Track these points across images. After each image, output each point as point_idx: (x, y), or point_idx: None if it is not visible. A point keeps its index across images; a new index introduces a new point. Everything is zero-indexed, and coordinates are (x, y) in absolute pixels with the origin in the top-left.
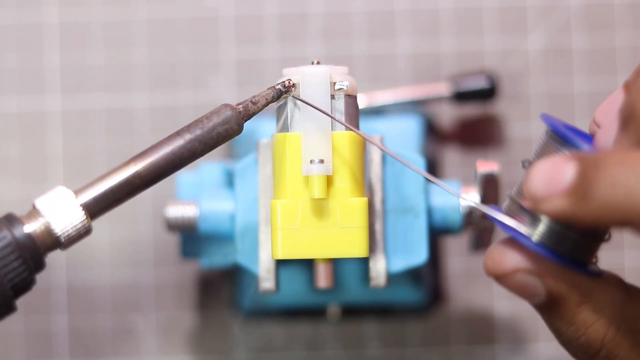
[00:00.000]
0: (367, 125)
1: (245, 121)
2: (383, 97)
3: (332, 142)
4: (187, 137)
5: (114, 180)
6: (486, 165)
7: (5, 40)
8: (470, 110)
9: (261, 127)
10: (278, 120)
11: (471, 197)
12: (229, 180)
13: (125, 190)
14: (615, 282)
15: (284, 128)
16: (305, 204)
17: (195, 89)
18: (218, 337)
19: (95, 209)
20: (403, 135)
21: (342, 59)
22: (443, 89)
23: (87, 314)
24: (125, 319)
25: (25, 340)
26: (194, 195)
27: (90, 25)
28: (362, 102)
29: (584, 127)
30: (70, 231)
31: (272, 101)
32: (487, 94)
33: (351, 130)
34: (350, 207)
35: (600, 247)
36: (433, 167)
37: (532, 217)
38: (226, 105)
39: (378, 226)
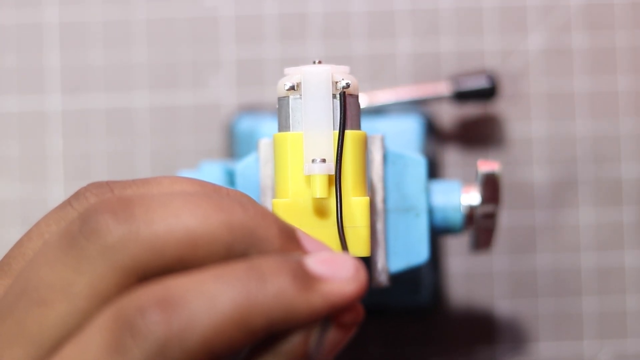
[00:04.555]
0: (368, 125)
1: None
2: (383, 96)
3: (334, 142)
4: None
5: None
6: (487, 165)
7: (5, 40)
8: (471, 109)
9: (262, 126)
10: (279, 119)
11: (472, 197)
12: (230, 179)
13: None
14: None
15: (285, 127)
16: (307, 204)
17: (195, 89)
18: None
19: None
20: (403, 135)
21: (342, 58)
22: (443, 88)
23: None
24: None
25: None
26: None
27: (90, 25)
28: (363, 101)
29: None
30: None
31: None
32: (488, 93)
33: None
34: (352, 207)
35: None
36: (434, 167)
37: None
38: None
39: (379, 225)
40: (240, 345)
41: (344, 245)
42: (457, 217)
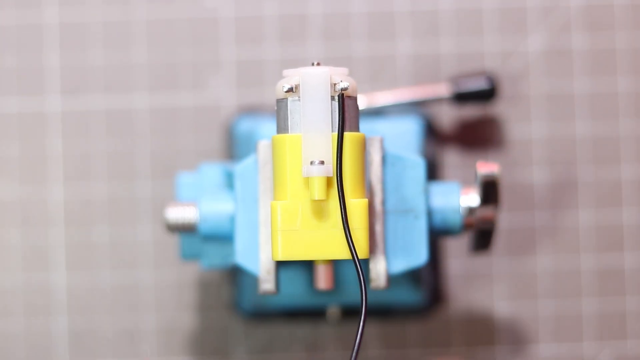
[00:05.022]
0: (367, 126)
1: None
2: (383, 98)
3: (332, 144)
4: None
5: None
6: (486, 167)
7: (5, 40)
8: (471, 111)
9: (261, 128)
10: (278, 121)
11: (471, 199)
12: (229, 181)
13: None
14: None
15: (284, 129)
16: (306, 205)
17: (195, 90)
18: (218, 338)
19: None
20: (403, 136)
21: (342, 59)
22: (443, 89)
23: (87, 315)
24: (125, 320)
25: (25, 341)
26: (194, 196)
27: (90, 26)
28: (362, 103)
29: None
30: None
31: None
32: (487, 94)
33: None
34: (350, 209)
35: None
36: (433, 169)
37: None
38: None
39: (378, 227)
40: None
41: (352, 247)
42: (456, 219)
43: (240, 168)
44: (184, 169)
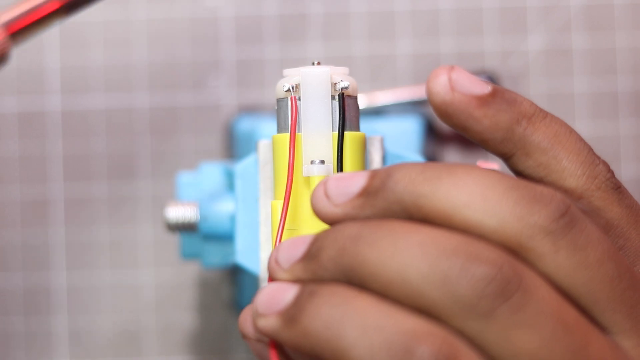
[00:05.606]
0: (368, 126)
1: None
2: (383, 97)
3: (333, 143)
4: None
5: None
6: (486, 166)
7: None
8: None
9: (261, 127)
10: (278, 120)
11: None
12: (229, 180)
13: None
14: None
15: (284, 128)
16: (306, 205)
17: (195, 89)
18: (218, 338)
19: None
20: (403, 136)
21: (342, 59)
22: None
23: (87, 315)
24: (124, 319)
25: (25, 341)
26: (194, 195)
27: (90, 25)
28: (362, 102)
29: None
30: None
31: None
32: None
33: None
34: None
35: None
36: None
37: None
38: None
39: None
40: None
41: None
42: None
43: (241, 167)
44: (184, 169)
